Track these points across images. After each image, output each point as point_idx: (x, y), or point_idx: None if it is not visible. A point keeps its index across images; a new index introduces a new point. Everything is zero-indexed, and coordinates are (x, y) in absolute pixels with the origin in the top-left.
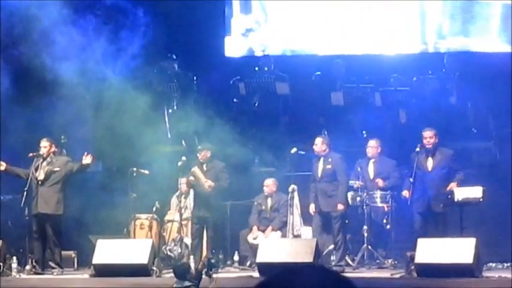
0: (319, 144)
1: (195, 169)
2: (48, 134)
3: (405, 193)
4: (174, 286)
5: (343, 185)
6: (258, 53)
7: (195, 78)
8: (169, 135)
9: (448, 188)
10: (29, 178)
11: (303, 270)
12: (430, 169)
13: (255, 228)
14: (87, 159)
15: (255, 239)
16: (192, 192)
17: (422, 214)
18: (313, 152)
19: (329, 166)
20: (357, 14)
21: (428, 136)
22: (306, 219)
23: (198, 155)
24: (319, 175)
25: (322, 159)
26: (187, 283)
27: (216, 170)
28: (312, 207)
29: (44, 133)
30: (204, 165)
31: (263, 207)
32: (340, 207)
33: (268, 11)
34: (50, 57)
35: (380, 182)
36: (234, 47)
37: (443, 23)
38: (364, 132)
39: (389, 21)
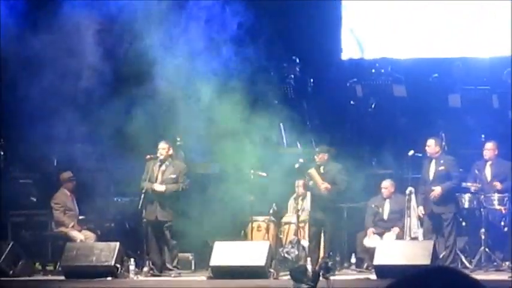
0: (432, 145)
1: (312, 171)
2: (162, 135)
3: None
4: None
5: (452, 184)
6: (374, 55)
7: (311, 80)
8: (283, 138)
9: None
10: (146, 180)
11: (434, 272)
12: None
13: (369, 231)
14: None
15: (370, 241)
16: (309, 194)
17: None
18: (427, 154)
19: (442, 168)
20: (472, 15)
21: None
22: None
23: (315, 157)
24: (431, 177)
25: (434, 161)
26: (304, 286)
27: (333, 173)
28: (421, 210)
29: (157, 134)
30: (321, 168)
31: (380, 210)
32: (437, 190)
33: (382, 14)
34: (161, 57)
35: (498, 185)
36: (350, 49)
37: None
38: (482, 136)
39: (506, 23)
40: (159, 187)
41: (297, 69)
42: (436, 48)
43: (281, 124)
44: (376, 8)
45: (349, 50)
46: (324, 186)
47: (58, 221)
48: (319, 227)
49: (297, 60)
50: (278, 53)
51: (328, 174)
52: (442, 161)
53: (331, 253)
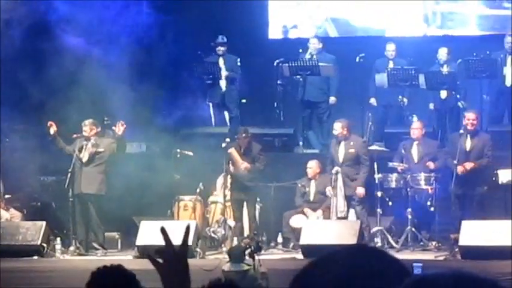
0: (339, 129)
1: (232, 150)
2: (92, 115)
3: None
4: (225, 269)
5: (364, 171)
6: (302, 33)
7: (238, 59)
8: (212, 117)
9: (459, 171)
10: (73, 159)
11: (349, 250)
12: (468, 150)
13: (306, 210)
14: (119, 129)
15: (296, 221)
16: None
17: (461, 196)
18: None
19: (352, 150)
20: None
21: (471, 118)
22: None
23: (236, 137)
24: (341, 159)
25: (342, 142)
26: (244, 265)
27: (253, 153)
28: (330, 190)
29: (87, 114)
30: (241, 148)
31: (307, 190)
32: (360, 190)
33: None
34: (87, 37)
35: (431, 165)
36: (277, 29)
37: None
38: (411, 116)
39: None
40: (85, 157)
41: (224, 48)
42: (363, 27)
43: (210, 103)
44: None
45: (276, 29)
46: (243, 166)
47: None
48: (241, 207)
49: (224, 39)
50: (205, 32)
51: (248, 154)
52: (351, 143)
53: (255, 232)
